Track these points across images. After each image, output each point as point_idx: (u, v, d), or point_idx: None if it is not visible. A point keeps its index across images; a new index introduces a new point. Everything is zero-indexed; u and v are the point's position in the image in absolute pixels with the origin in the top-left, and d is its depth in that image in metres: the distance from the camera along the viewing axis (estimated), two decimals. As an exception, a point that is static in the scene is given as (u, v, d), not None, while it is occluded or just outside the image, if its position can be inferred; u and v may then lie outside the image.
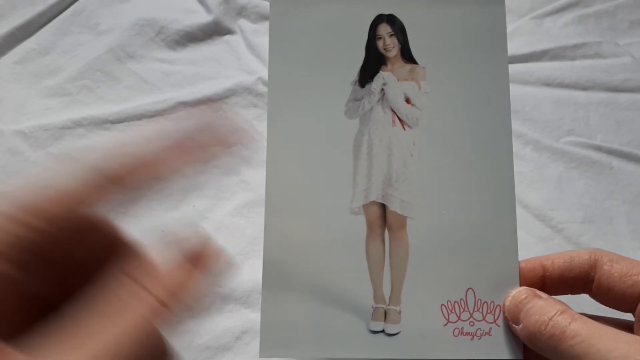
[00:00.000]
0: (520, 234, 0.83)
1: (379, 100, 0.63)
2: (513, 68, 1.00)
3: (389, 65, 0.63)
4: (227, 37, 1.05)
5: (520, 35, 1.05)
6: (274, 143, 0.62)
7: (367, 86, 0.63)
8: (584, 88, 0.98)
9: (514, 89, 0.96)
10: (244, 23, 1.07)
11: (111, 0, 1.07)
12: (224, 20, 1.05)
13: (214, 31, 1.04)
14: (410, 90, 0.63)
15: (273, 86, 0.64)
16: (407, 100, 0.62)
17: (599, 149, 0.92)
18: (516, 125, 0.95)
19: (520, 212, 0.87)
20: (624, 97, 0.97)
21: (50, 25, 1.05)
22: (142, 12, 1.04)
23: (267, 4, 0.72)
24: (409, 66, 0.63)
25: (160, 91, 0.98)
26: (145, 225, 0.84)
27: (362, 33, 0.64)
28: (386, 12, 0.64)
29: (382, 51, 0.63)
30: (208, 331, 0.79)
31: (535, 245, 0.85)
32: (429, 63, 0.63)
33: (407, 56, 0.63)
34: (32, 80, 0.99)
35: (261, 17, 1.08)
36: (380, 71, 0.63)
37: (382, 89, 0.63)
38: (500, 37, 0.64)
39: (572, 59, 1.02)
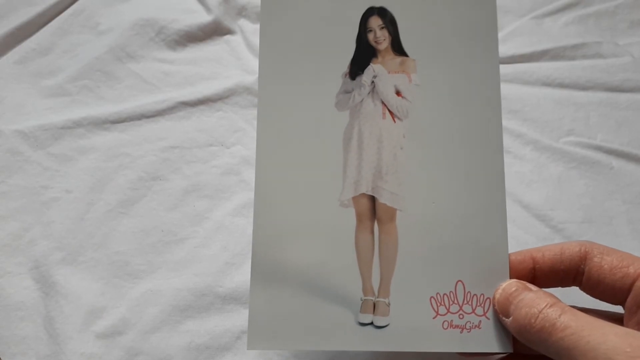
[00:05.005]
0: (520, 233, 0.84)
1: (369, 93, 0.63)
2: (513, 68, 1.00)
3: (380, 58, 0.64)
4: (227, 37, 1.05)
5: (520, 35, 1.05)
6: (264, 135, 0.63)
7: (357, 78, 0.63)
8: (584, 88, 0.98)
9: (514, 89, 0.97)
10: (244, 23, 1.07)
11: (111, 0, 1.07)
12: (224, 20, 1.05)
13: (214, 31, 1.05)
14: (401, 82, 0.63)
15: (263, 78, 0.64)
16: (398, 93, 0.63)
17: (599, 149, 0.92)
18: (516, 125, 0.94)
19: (520, 212, 0.87)
20: (623, 97, 0.97)
21: (50, 25, 1.05)
22: (142, 12, 1.04)
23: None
24: (399, 58, 0.64)
25: (160, 91, 0.98)
26: (145, 225, 0.85)
27: (353, 25, 0.64)
28: (377, 5, 0.64)
29: (373, 44, 0.64)
30: (208, 331, 0.79)
31: (535, 246, 0.85)
32: (420, 55, 0.64)
33: (397, 49, 0.64)
34: (32, 80, 0.99)
35: (262, 17, 1.09)
36: (371, 63, 0.64)
37: (373, 82, 0.63)
38: (490, 29, 0.64)
39: (572, 59, 1.02)
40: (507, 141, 0.93)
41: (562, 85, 0.99)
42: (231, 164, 0.91)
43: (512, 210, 0.87)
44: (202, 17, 1.05)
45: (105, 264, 0.83)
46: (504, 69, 1.00)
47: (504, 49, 1.03)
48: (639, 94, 0.97)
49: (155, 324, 0.79)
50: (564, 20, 1.07)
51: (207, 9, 1.06)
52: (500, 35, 1.06)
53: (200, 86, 0.98)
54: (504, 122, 0.95)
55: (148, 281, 0.82)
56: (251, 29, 1.06)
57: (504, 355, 0.61)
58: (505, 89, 0.98)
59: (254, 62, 1.02)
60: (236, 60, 1.03)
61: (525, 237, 0.85)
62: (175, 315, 0.80)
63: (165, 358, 0.78)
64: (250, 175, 0.91)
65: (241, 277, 0.83)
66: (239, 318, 0.80)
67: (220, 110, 0.96)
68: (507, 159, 0.92)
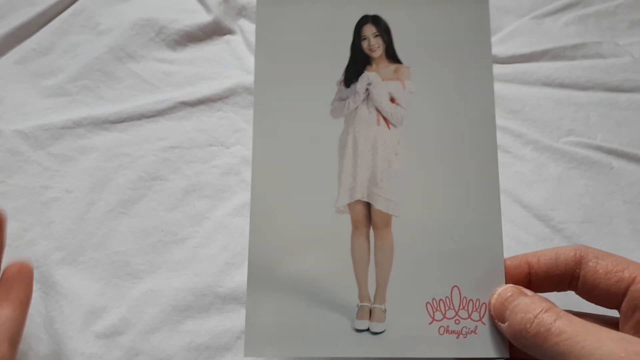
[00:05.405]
0: (520, 233, 0.84)
1: (364, 100, 0.63)
2: (513, 68, 1.00)
3: (374, 65, 0.64)
4: (227, 37, 1.05)
5: (520, 35, 1.05)
6: (260, 142, 0.63)
7: (352, 86, 0.63)
8: (584, 88, 0.98)
9: (514, 89, 0.97)
10: (244, 23, 1.06)
11: (111, 0, 1.07)
12: (224, 20, 1.05)
13: (214, 31, 1.04)
14: (395, 89, 0.63)
15: (259, 85, 0.64)
16: (392, 100, 0.63)
17: (599, 149, 0.92)
18: (516, 125, 0.94)
19: (520, 212, 0.87)
20: (623, 97, 0.97)
21: (50, 25, 1.05)
22: (142, 12, 1.04)
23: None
24: (393, 66, 0.64)
25: (160, 91, 0.98)
26: (145, 225, 0.85)
27: (347, 33, 0.64)
28: (371, 13, 0.64)
29: (367, 52, 0.64)
30: (208, 331, 0.79)
31: (535, 246, 0.85)
32: (414, 62, 0.64)
33: (391, 56, 0.64)
34: (32, 80, 0.99)
35: (261, 17, 1.08)
36: (365, 71, 0.64)
37: (367, 89, 0.63)
38: (483, 35, 0.64)
39: (572, 59, 1.01)
40: (507, 141, 0.93)
41: (562, 85, 0.99)
42: (231, 164, 0.91)
43: (512, 210, 0.87)
44: (202, 17, 1.05)
45: (105, 264, 0.83)
46: (504, 69, 1.00)
47: (504, 49, 1.02)
48: (639, 94, 0.97)
49: (155, 324, 0.80)
50: (564, 20, 1.07)
51: (207, 9, 1.06)
52: (500, 35, 1.05)
53: (200, 86, 0.98)
54: (504, 123, 0.95)
55: (148, 281, 0.82)
56: (251, 29, 1.06)
57: (500, 360, 0.61)
58: (505, 89, 0.98)
59: (254, 62, 1.02)
60: (236, 60, 1.03)
61: (525, 237, 0.85)
62: (175, 315, 0.80)
63: (165, 358, 0.78)
64: (250, 175, 0.91)
65: (241, 277, 0.83)
66: (239, 318, 0.80)
67: (220, 110, 0.96)
68: (507, 159, 0.92)
